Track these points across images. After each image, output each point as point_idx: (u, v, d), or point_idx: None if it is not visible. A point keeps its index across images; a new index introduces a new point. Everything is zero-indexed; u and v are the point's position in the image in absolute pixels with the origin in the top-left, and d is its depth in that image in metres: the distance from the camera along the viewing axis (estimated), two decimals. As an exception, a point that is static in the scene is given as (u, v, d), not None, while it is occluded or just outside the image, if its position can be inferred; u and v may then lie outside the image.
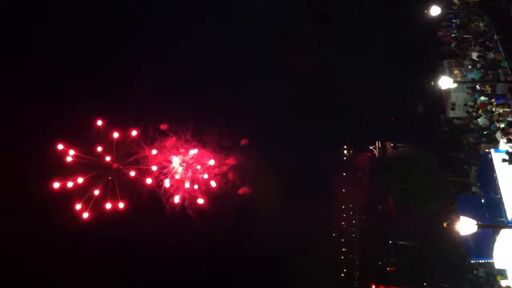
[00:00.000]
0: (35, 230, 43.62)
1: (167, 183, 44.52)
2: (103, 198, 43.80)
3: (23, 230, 42.92)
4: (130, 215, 44.05)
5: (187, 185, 45.10)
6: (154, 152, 45.30)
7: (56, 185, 42.63)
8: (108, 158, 44.31)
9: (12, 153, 43.08)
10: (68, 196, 43.47)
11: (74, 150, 43.66)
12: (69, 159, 43.70)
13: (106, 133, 44.43)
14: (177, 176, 45.45)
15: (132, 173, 44.42)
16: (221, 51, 50.91)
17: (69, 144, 43.81)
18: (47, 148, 43.80)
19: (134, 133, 44.83)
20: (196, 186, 45.84)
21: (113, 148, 44.38)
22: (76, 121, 44.94)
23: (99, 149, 44.36)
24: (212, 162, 46.15)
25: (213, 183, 46.00)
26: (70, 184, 43.11)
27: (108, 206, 43.52)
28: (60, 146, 43.56)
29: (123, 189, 44.29)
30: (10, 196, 41.61)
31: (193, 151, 45.91)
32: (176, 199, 44.75)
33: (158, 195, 45.00)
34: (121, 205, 43.76)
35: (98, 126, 44.21)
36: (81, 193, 43.51)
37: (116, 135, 44.32)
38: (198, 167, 46.01)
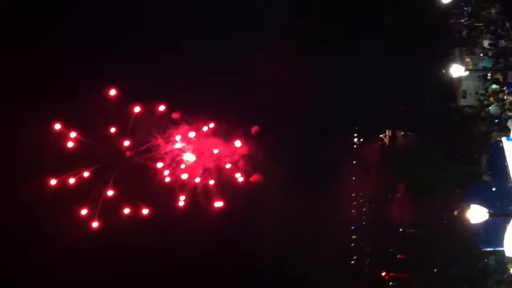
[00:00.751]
0: (22, 245, 34.94)
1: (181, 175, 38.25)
2: (118, 199, 35.22)
3: (8, 245, 34.10)
4: (151, 221, 36.20)
5: (197, 179, 39.72)
6: (192, 134, 38.31)
7: (53, 182, 33.74)
8: (126, 143, 35.62)
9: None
10: (69, 197, 34.67)
11: (76, 132, 34.64)
12: (70, 144, 34.56)
13: (119, 108, 35.81)
14: (183, 166, 39.86)
15: (160, 164, 36.72)
16: (234, 39, 50.19)
17: (69, 124, 34.91)
18: (39, 129, 34.28)
19: (162, 108, 36.89)
20: (212, 181, 39.77)
21: (129, 129, 35.87)
22: (78, 91, 35.35)
23: (112, 130, 35.69)
24: (238, 143, 40.47)
25: (239, 177, 40.42)
26: (71, 181, 34.18)
27: (126, 211, 35.07)
28: (57, 127, 34.43)
29: (141, 187, 35.70)
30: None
31: (210, 125, 39.90)
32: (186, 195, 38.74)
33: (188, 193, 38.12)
34: (145, 211, 35.50)
35: (110, 97, 35.07)
36: (86, 191, 34.69)
37: (137, 109, 35.66)
38: (216, 151, 40.20)
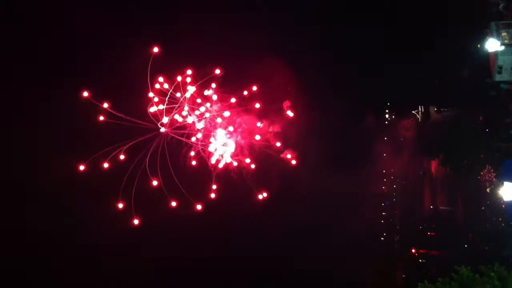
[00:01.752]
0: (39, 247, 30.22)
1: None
2: (160, 189, 29.73)
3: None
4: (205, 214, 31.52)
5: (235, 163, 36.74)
6: (257, 105, 34.07)
7: (81, 167, 28.35)
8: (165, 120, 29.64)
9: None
10: (102, 186, 29.34)
11: (108, 103, 28.93)
12: (100, 118, 28.87)
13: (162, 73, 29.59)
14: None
15: (212, 148, 33.02)
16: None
17: (100, 93, 29.08)
18: (65, 97, 29.09)
19: (217, 71, 32.64)
20: (253, 165, 36.96)
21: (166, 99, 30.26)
22: (109, 53, 30.70)
23: (155, 99, 30.21)
24: (290, 113, 37.35)
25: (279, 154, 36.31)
26: (105, 165, 28.43)
27: (173, 204, 30.46)
28: (86, 94, 28.45)
29: (181, 171, 30.06)
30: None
31: (253, 88, 36.21)
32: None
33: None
34: (198, 207, 31.17)
35: (155, 54, 29.46)
36: (120, 177, 28.84)
37: (189, 72, 30.87)
38: (259, 124, 36.65)
